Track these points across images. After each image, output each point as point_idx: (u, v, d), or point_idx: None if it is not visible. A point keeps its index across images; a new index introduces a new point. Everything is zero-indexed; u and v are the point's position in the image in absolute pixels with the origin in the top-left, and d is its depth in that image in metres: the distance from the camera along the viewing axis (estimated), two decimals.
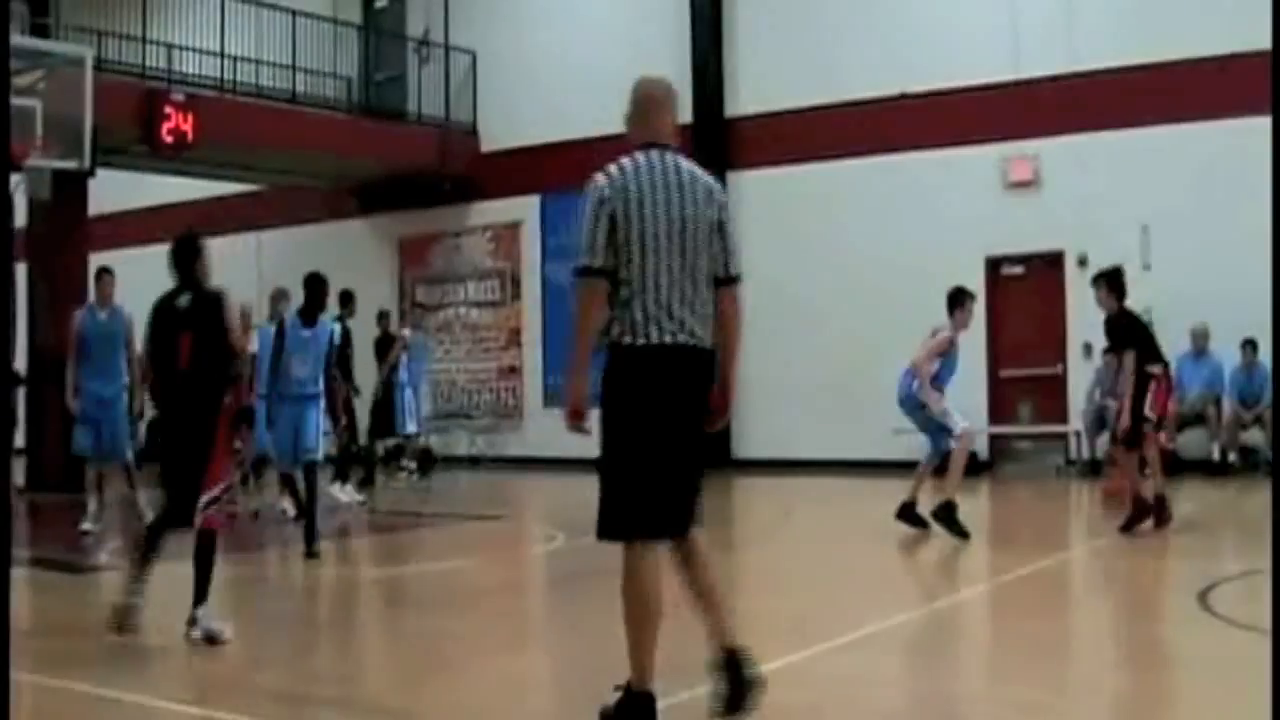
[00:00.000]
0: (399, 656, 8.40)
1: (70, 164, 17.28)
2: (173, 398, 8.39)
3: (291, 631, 9.47)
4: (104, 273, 14.71)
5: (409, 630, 9.31)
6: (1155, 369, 12.52)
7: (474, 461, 23.61)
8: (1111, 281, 12.69)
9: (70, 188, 19.05)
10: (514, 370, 23.93)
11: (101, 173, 18.21)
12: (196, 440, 8.12)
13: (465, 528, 15.31)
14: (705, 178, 5.91)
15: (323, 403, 12.46)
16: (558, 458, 22.28)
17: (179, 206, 26.62)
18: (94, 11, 20.62)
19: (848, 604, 9.46)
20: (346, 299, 17.28)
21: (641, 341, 5.65)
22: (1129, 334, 12.57)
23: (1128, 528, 12.23)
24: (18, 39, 17.39)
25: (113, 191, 22.00)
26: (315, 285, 12.41)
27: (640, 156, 5.83)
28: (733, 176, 21.19)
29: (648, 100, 6.12)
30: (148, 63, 20.45)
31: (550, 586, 11.52)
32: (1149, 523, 12.29)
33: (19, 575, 11.99)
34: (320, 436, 12.45)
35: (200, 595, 8.12)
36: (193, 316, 8.40)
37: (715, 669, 5.80)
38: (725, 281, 5.85)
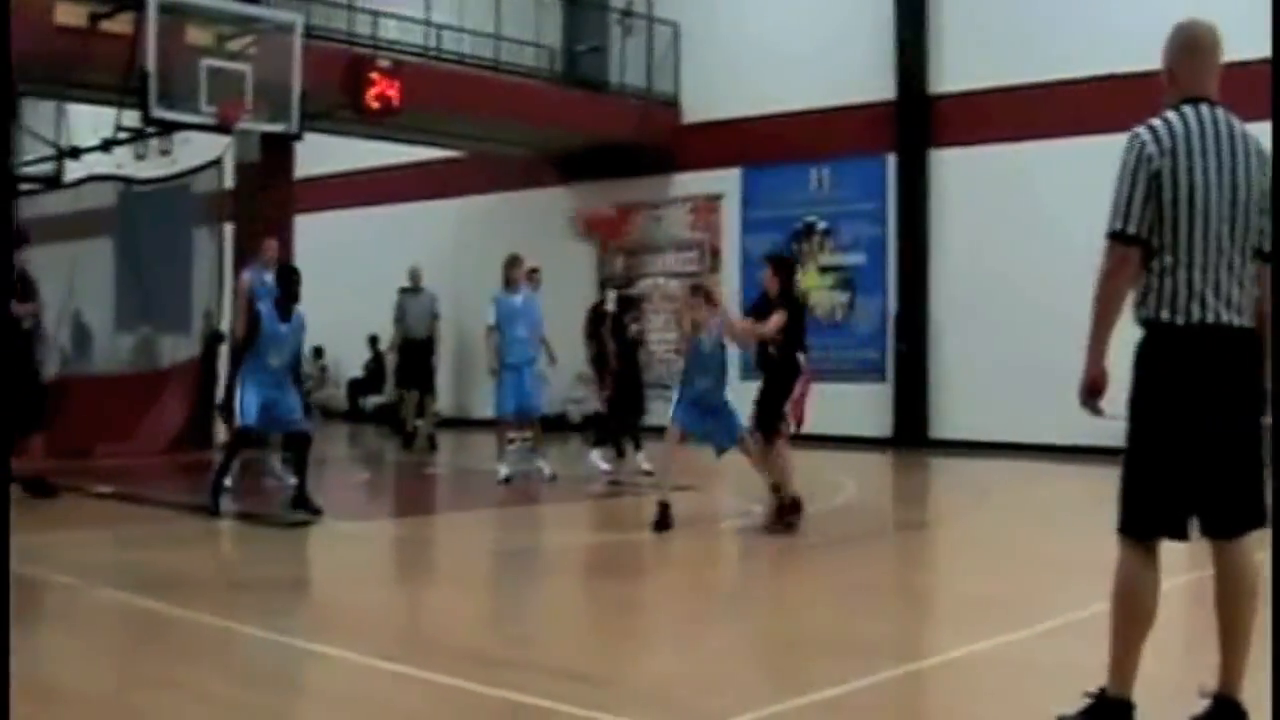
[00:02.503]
0: (594, 624, 8.46)
1: (278, 128, 17.67)
2: None
3: (489, 595, 9.60)
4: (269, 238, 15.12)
5: (604, 598, 9.36)
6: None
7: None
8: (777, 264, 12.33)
9: (277, 151, 19.47)
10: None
11: (306, 136, 18.48)
12: None
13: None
14: (1255, 139, 5.32)
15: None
16: None
17: (380, 171, 27.08)
18: None
19: (1045, 589, 9.23)
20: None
21: (1182, 320, 5.13)
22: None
23: None
24: (231, 5, 17.79)
25: (316, 155, 22.39)
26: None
27: (1189, 111, 5.24)
28: (933, 154, 20.90)
29: (1192, 46, 5.41)
30: (354, 29, 20.75)
31: (743, 559, 11.47)
32: None
33: (228, 528, 12.37)
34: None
35: None
36: None
37: (1209, 711, 5.35)
38: (1268, 256, 5.29)
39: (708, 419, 11.88)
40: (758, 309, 12.17)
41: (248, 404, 12.45)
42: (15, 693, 6.58)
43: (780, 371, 11.94)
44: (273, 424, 13.00)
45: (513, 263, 15.89)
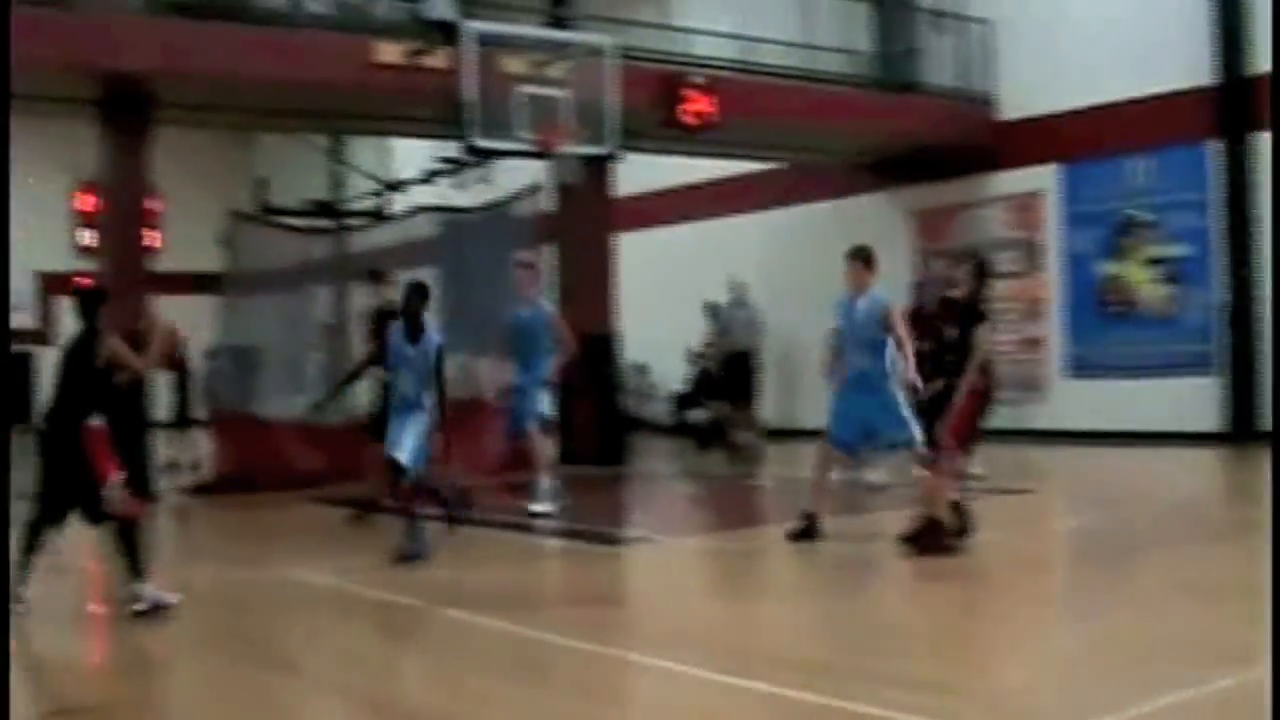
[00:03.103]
0: (932, 631, 8.30)
1: (597, 149, 17.87)
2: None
3: (829, 605, 9.51)
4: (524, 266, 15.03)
5: (945, 604, 9.19)
6: None
7: (996, 434, 23.12)
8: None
9: (596, 171, 19.75)
10: (1036, 342, 23.32)
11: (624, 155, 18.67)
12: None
13: (992, 501, 15.03)
14: None
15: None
16: (1084, 430, 21.76)
17: (697, 186, 27.26)
18: (612, 1, 21.28)
19: None
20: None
21: None
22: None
23: None
24: (545, 32, 18.13)
25: (633, 173, 22.62)
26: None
27: None
28: (1255, 138, 20.03)
29: None
30: (666, 47, 20.91)
31: (1085, 562, 11.14)
32: None
33: (553, 545, 12.55)
34: None
35: (132, 572, 8.88)
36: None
37: None
38: None
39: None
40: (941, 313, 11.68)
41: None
42: (367, 707, 6.77)
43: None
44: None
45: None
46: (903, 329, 11.39)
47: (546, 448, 14.07)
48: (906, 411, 11.40)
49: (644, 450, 23.61)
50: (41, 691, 7.51)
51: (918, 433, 11.36)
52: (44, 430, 9.03)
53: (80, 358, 8.98)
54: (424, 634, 8.69)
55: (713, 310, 21.72)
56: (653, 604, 10.02)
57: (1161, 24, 21.01)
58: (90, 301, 9.23)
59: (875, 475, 15.61)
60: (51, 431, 8.99)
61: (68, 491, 8.97)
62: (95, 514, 9.00)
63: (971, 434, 11.27)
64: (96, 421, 8.96)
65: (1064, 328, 22.88)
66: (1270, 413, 19.69)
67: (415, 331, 11.23)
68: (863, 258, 11.62)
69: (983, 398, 11.20)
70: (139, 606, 8.85)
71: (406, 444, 11.13)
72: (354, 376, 14.27)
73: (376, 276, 14.74)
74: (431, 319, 11.44)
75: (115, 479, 8.96)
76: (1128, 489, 15.39)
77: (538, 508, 13.45)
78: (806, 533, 11.42)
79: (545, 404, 14.25)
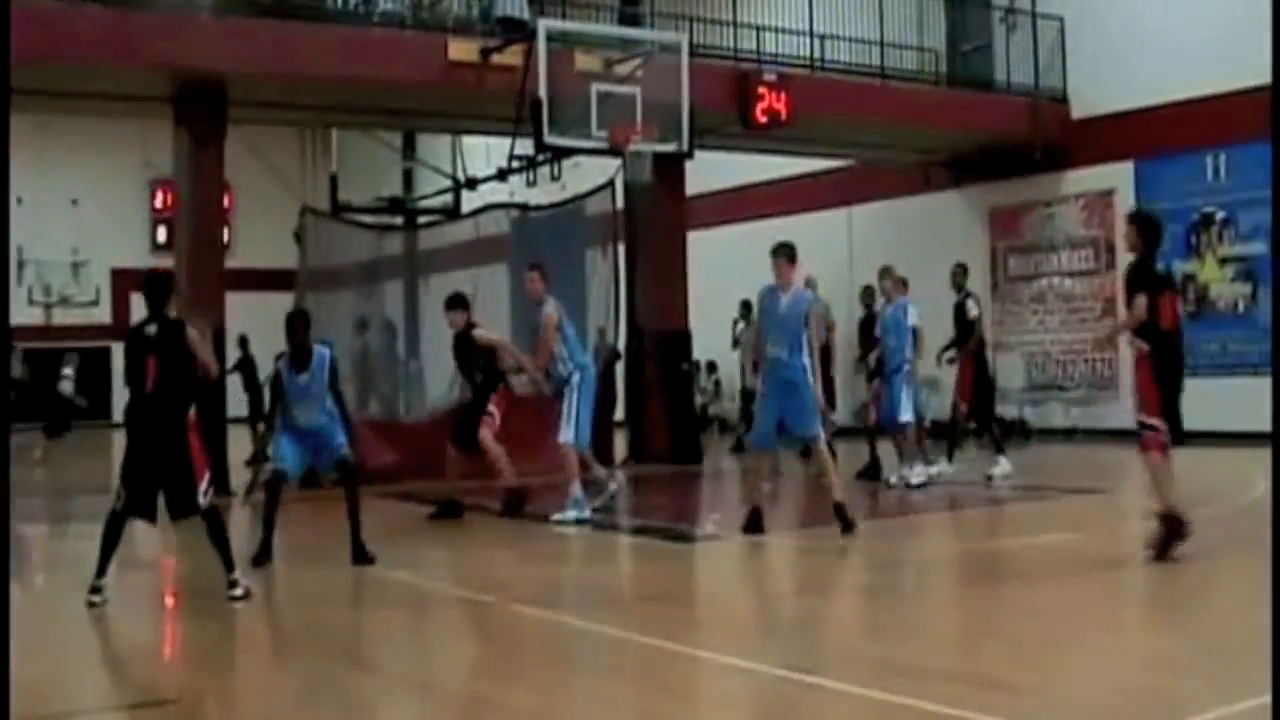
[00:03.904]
0: (1011, 630, 8.24)
1: (669, 147, 17.84)
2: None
3: (899, 604, 9.48)
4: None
5: (1018, 604, 9.13)
6: None
7: (1069, 433, 23.08)
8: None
9: (668, 169, 19.73)
10: (1110, 340, 23.16)
11: (695, 153, 18.62)
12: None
13: (1065, 501, 14.95)
14: None
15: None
16: None
17: (769, 184, 27.21)
18: None
19: None
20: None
21: None
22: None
23: None
24: (617, 29, 18.14)
25: (705, 171, 22.57)
26: None
27: None
28: None
29: None
30: (738, 45, 20.87)
31: (1161, 563, 11.02)
32: None
33: (624, 542, 12.57)
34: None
35: (227, 565, 9.13)
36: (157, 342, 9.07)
37: None
38: None
39: None
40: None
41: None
42: (446, 702, 6.79)
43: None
44: None
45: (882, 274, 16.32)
46: (817, 331, 12.12)
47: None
48: (815, 408, 11.96)
49: (714, 447, 23.62)
50: (125, 683, 7.59)
51: (820, 429, 12.09)
52: (137, 420, 9.10)
53: (161, 346, 9.03)
54: (498, 630, 8.71)
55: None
56: (723, 601, 10.01)
57: (1234, 19, 20.78)
58: (157, 288, 9.28)
59: (917, 473, 15.62)
60: (143, 422, 9.06)
61: (157, 483, 9.06)
62: (185, 507, 9.08)
63: (1159, 400, 10.72)
64: (191, 415, 9.06)
65: None
66: None
67: (304, 359, 11.08)
68: (786, 254, 11.98)
69: (1155, 365, 10.64)
70: (236, 593, 9.06)
71: (289, 457, 11.09)
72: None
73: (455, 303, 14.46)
74: (320, 345, 11.22)
75: (207, 475, 9.07)
76: (1203, 489, 15.19)
77: (558, 515, 13.22)
78: (753, 526, 11.86)
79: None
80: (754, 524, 11.93)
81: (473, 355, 13.80)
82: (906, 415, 15.74)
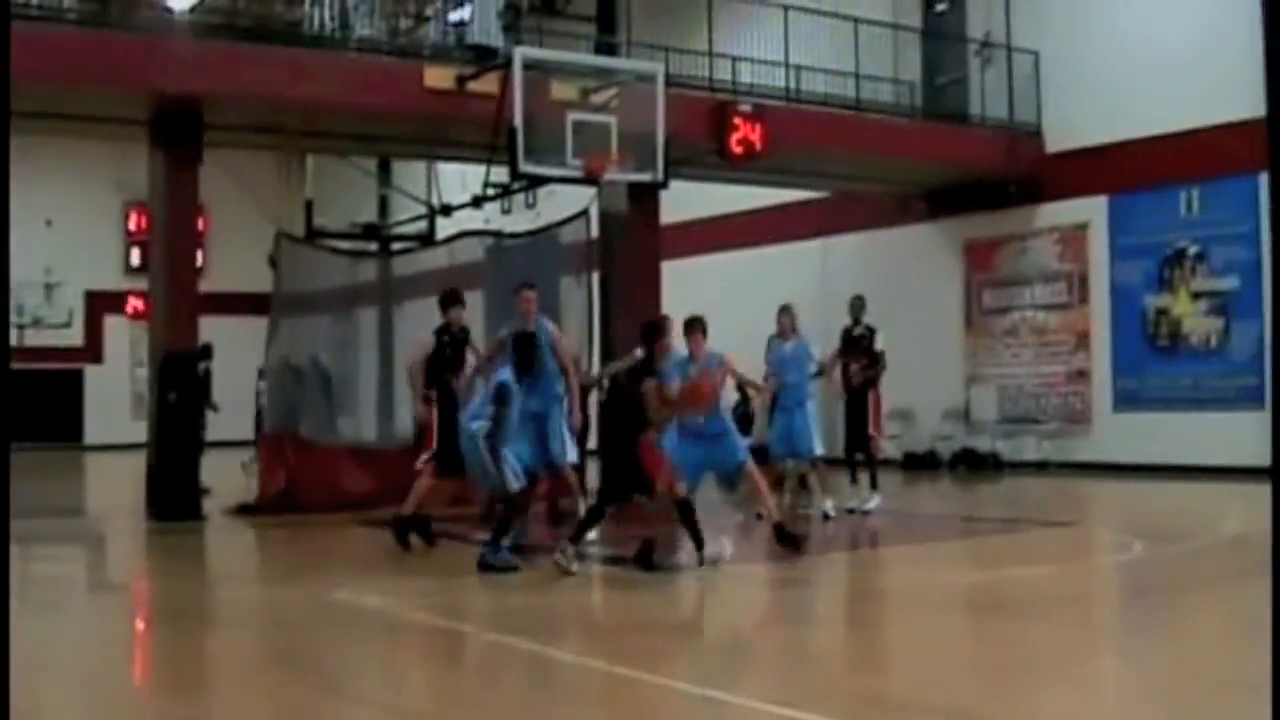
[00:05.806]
0: (986, 661, 8.24)
1: (644, 177, 17.84)
2: None
3: (875, 635, 9.47)
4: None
5: (991, 635, 9.13)
6: None
7: (1041, 466, 23.15)
8: None
9: (643, 199, 19.75)
10: (1082, 374, 23.24)
11: (670, 183, 18.61)
12: None
13: (1036, 533, 14.97)
14: None
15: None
16: (1129, 463, 21.63)
17: (743, 214, 27.26)
18: (660, 28, 21.31)
19: None
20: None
21: None
22: None
23: None
24: (593, 58, 18.15)
25: (680, 201, 22.60)
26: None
27: None
28: None
29: None
30: (714, 76, 20.91)
31: (1132, 596, 11.06)
32: None
33: (601, 572, 12.54)
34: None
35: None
36: None
37: None
38: None
39: None
40: None
41: None
42: None
43: None
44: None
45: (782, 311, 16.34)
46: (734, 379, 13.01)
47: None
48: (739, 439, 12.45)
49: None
50: (97, 709, 7.53)
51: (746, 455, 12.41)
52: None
53: None
54: (472, 659, 8.68)
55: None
56: (702, 632, 10.00)
57: (1210, 57, 20.90)
58: None
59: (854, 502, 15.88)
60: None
61: None
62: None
63: None
64: None
65: (1111, 360, 22.78)
66: None
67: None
68: (701, 328, 12.65)
69: None
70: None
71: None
72: None
73: (449, 299, 14.43)
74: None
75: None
76: (1174, 523, 15.27)
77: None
78: (644, 559, 11.81)
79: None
80: (644, 557, 11.82)
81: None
82: (819, 448, 15.81)
